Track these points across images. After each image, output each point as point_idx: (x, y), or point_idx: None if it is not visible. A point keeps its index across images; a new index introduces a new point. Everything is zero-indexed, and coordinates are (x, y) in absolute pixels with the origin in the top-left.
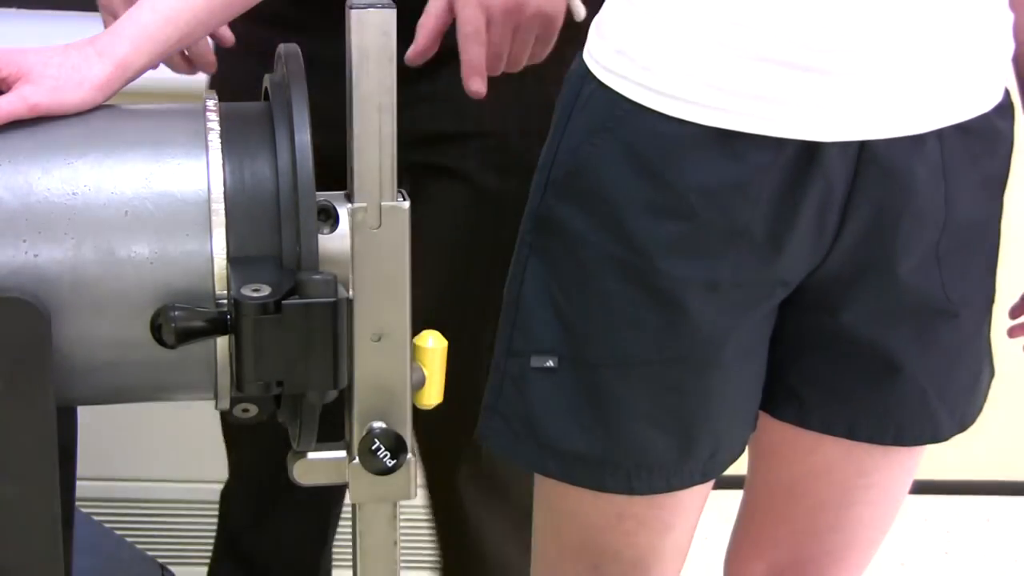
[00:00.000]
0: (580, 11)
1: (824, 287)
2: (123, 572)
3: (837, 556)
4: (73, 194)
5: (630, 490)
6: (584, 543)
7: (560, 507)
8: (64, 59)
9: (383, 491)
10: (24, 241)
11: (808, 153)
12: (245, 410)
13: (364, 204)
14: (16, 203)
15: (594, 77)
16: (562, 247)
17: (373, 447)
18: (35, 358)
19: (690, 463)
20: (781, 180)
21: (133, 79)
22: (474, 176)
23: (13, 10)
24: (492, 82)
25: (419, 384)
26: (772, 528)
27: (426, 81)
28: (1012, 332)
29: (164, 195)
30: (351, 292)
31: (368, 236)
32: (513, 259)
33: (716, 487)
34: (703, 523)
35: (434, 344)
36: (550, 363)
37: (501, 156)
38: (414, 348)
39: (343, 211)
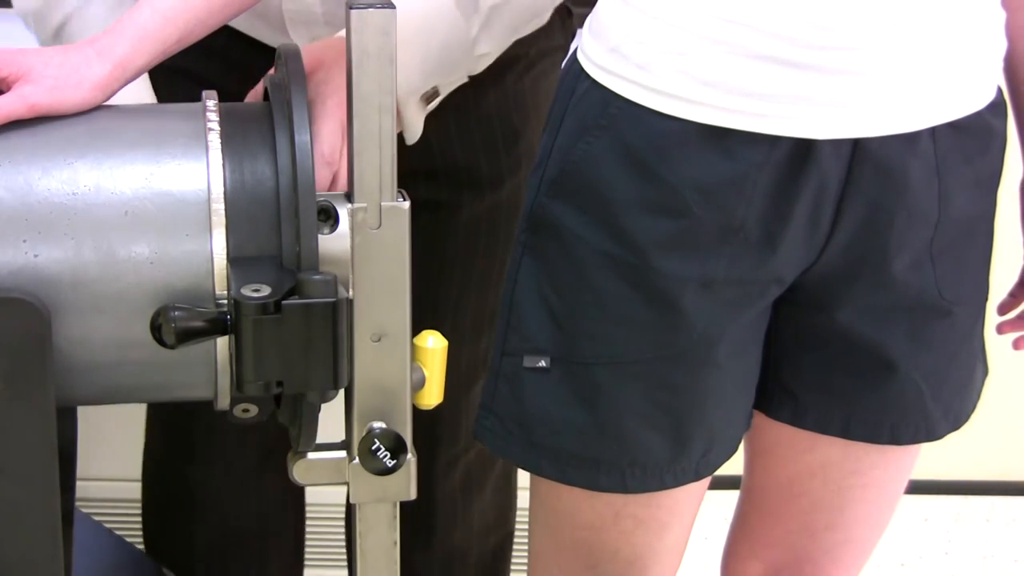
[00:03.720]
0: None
1: (818, 285)
2: (123, 572)
3: (834, 555)
4: (73, 194)
5: (624, 489)
6: (581, 543)
7: (556, 507)
8: (64, 59)
9: (383, 491)
10: (24, 241)
11: (802, 151)
12: (245, 410)
13: (364, 204)
14: (16, 203)
15: (587, 75)
16: (556, 246)
17: (373, 447)
18: (35, 358)
19: (683, 461)
20: (775, 178)
21: (133, 79)
22: (446, 205)
23: (11, 10)
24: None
25: (419, 384)
26: (769, 527)
27: None
28: (1000, 328)
29: (164, 195)
30: (351, 292)
31: (368, 236)
32: (509, 260)
33: (714, 487)
34: (702, 523)
35: (434, 344)
36: (542, 363)
37: (471, 180)
38: (414, 348)
39: (343, 211)
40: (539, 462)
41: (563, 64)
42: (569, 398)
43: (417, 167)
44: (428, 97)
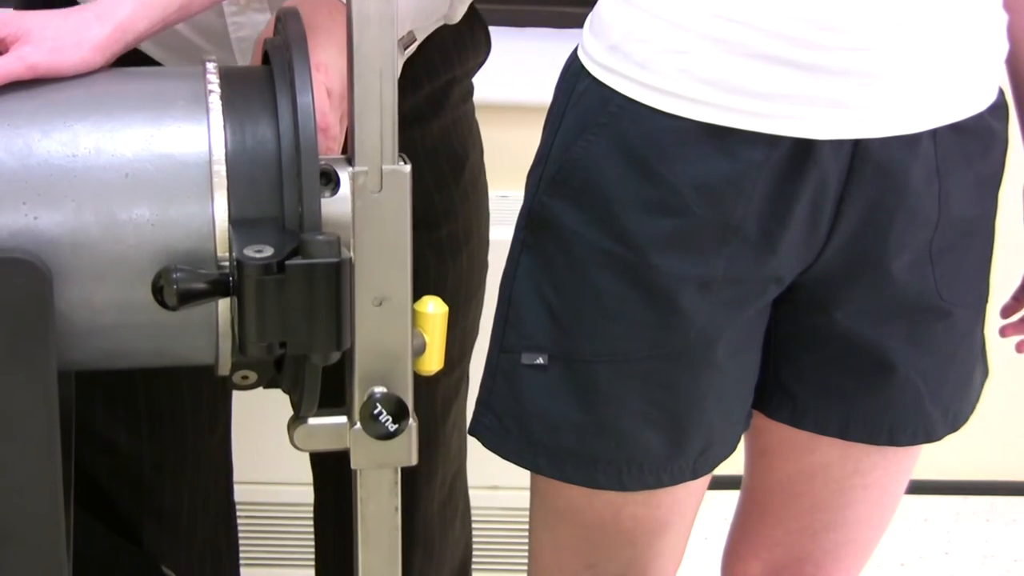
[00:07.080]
0: None
1: (817, 285)
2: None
3: (834, 555)
4: (73, 156)
5: (621, 486)
6: (580, 541)
7: (556, 505)
8: (63, 21)
9: (385, 456)
10: (24, 204)
11: (802, 151)
12: (245, 377)
13: (365, 168)
14: (16, 165)
15: (588, 73)
16: (555, 243)
17: (375, 412)
18: (37, 318)
19: (681, 460)
20: (775, 177)
21: (133, 44)
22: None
23: (10, 10)
24: None
25: (420, 350)
26: (769, 528)
27: None
28: (1004, 331)
29: (165, 157)
30: (352, 257)
31: (369, 200)
32: (507, 257)
33: (714, 487)
34: (702, 523)
35: (434, 310)
36: (540, 360)
37: (427, 219)
38: (414, 314)
39: (344, 175)
40: (536, 460)
41: (564, 63)
42: (567, 395)
43: None
44: (405, 43)
